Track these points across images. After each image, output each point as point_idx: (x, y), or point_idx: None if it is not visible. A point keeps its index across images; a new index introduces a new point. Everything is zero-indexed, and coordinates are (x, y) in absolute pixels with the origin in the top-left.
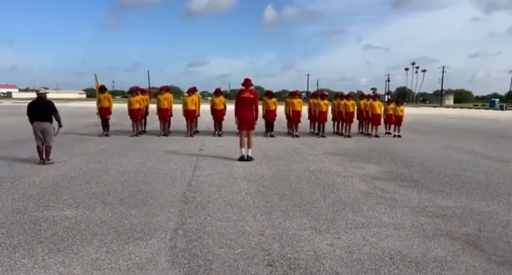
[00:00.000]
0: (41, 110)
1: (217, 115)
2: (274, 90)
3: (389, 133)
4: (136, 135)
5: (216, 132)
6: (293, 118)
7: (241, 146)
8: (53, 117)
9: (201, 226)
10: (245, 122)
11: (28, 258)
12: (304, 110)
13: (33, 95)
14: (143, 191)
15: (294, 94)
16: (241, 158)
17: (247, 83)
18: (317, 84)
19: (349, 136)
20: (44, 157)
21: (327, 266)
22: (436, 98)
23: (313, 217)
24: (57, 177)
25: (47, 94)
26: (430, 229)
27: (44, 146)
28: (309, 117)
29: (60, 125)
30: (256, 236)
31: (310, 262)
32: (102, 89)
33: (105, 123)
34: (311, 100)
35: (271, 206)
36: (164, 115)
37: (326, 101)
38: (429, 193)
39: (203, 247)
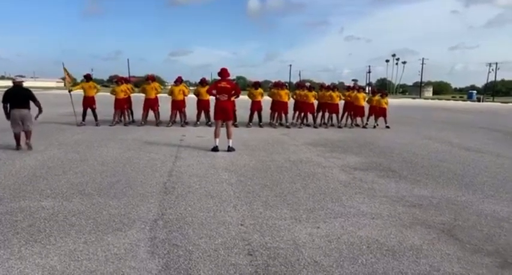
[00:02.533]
0: (20, 97)
1: (204, 105)
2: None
3: (368, 124)
4: (114, 124)
5: (198, 122)
6: (279, 109)
7: (216, 136)
8: (31, 104)
9: (181, 217)
10: (221, 112)
11: (3, 249)
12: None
13: (9, 83)
14: (122, 182)
15: (281, 85)
16: (215, 149)
17: (223, 73)
18: (299, 75)
19: (332, 125)
20: (20, 143)
21: (306, 255)
22: (415, 89)
23: (293, 207)
24: (35, 167)
25: (23, 82)
26: (406, 218)
27: (23, 132)
28: (293, 108)
29: (40, 111)
30: (236, 226)
31: (289, 251)
32: (88, 77)
33: (85, 114)
34: (297, 91)
35: (252, 197)
36: (152, 105)
37: (314, 93)
38: (407, 183)
39: (183, 238)
